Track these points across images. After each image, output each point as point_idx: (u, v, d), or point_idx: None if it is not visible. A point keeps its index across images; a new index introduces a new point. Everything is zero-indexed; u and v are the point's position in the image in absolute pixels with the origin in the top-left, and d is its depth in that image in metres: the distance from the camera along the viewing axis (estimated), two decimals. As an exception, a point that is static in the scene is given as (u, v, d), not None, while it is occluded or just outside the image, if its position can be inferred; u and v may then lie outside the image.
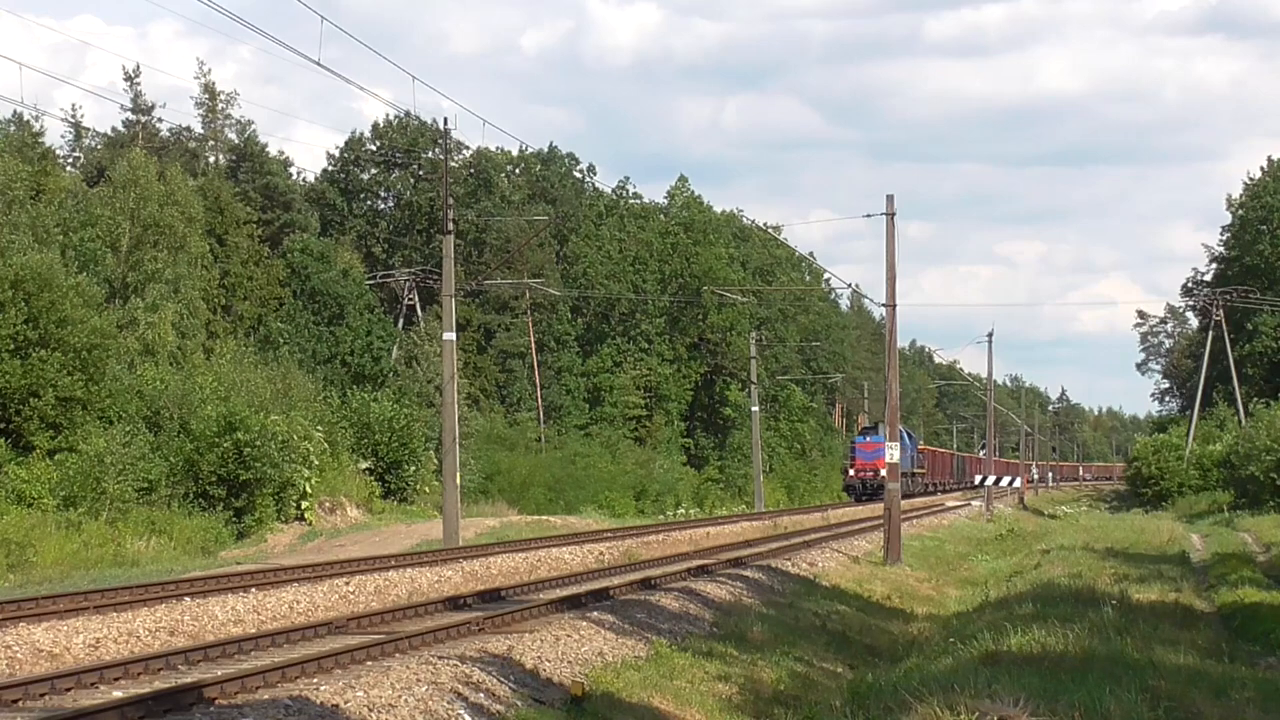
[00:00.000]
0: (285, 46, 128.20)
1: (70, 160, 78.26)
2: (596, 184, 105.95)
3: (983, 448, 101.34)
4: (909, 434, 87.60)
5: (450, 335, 40.84)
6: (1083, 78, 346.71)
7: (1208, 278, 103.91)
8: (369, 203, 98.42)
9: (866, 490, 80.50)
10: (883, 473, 75.31)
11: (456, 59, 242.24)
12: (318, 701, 13.93)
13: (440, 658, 16.62)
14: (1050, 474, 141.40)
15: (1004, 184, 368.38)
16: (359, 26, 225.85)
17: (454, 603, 23.52)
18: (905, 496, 76.02)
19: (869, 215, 39.08)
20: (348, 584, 25.22)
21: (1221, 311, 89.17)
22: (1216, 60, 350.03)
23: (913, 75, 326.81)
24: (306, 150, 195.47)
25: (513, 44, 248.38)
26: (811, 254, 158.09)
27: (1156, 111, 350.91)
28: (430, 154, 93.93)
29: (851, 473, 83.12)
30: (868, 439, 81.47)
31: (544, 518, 53.59)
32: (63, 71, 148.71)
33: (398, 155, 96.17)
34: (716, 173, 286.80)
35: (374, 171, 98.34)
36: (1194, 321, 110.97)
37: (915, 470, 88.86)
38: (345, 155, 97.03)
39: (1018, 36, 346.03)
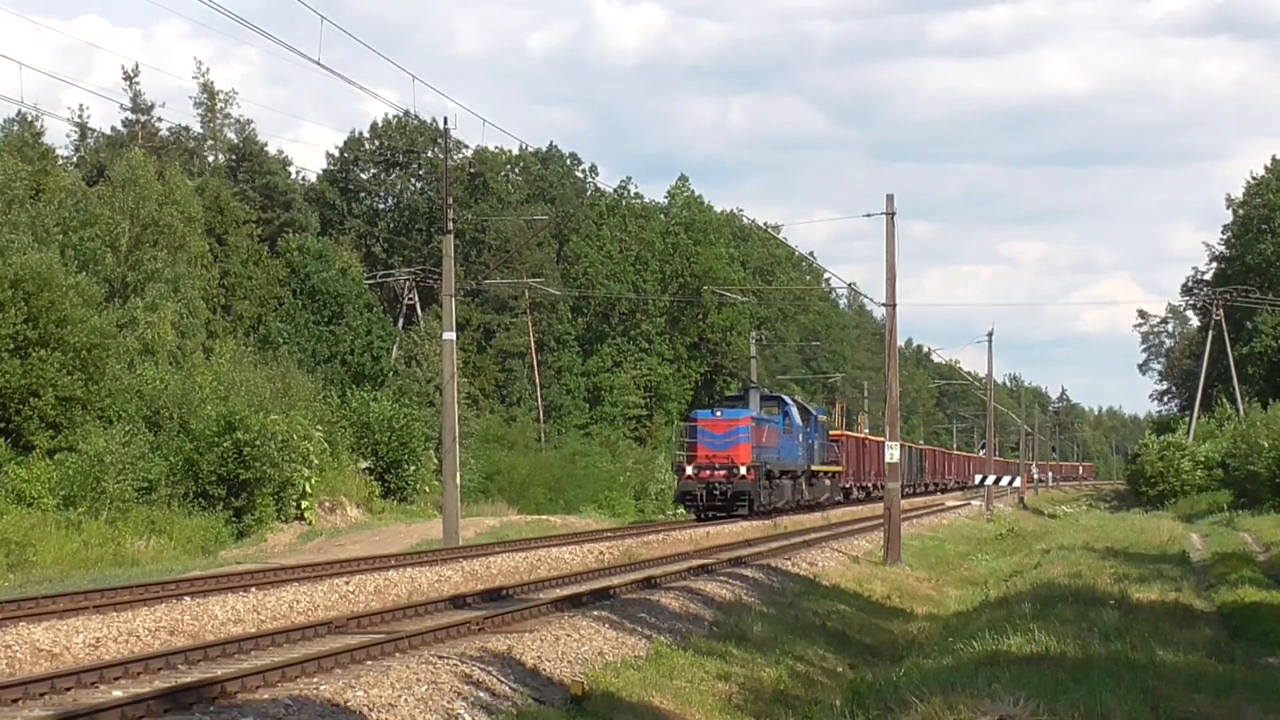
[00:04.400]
0: (287, 47, 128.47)
1: (75, 160, 78.31)
2: (597, 184, 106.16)
3: (983, 447, 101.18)
4: (803, 405, 60.24)
5: (450, 335, 40.85)
6: (1087, 78, 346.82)
7: (1208, 277, 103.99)
8: (368, 203, 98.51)
9: (714, 500, 49.47)
10: (742, 470, 48.54)
11: (462, 59, 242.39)
12: (318, 701, 13.93)
13: (440, 657, 16.61)
14: (1050, 474, 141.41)
15: (1007, 184, 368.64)
16: (365, 27, 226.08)
17: (454, 602, 23.52)
18: (812, 508, 58.46)
19: (869, 215, 38.86)
20: (348, 583, 25.21)
21: (1221, 311, 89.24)
22: (1221, 60, 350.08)
23: (917, 76, 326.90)
24: (314, 151, 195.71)
25: (518, 45, 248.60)
26: (812, 254, 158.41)
27: (1160, 112, 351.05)
28: (430, 154, 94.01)
29: (689, 470, 49.82)
30: (717, 414, 51.16)
31: (544, 517, 53.59)
32: (71, 73, 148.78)
33: (397, 155, 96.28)
34: (720, 173, 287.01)
35: (374, 171, 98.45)
36: (1195, 321, 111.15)
37: (824, 466, 61.07)
38: (345, 155, 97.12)
39: (1022, 37, 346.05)
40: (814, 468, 59.26)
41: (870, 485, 74.61)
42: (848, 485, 68.71)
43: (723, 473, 49.21)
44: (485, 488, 62.68)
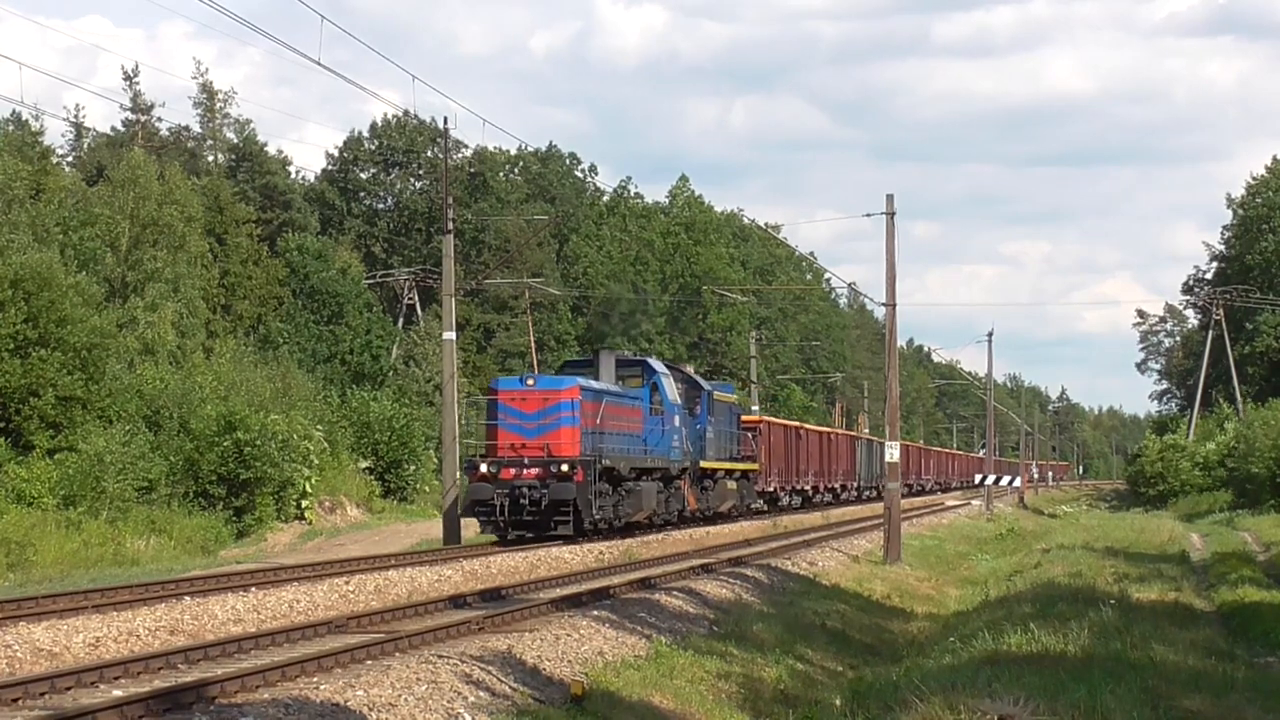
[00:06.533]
0: (287, 47, 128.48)
1: (71, 160, 78.30)
2: (597, 184, 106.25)
3: (983, 447, 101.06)
4: (690, 377, 44.99)
5: (450, 335, 40.86)
6: (1090, 79, 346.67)
7: (1209, 276, 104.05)
8: (368, 203, 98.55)
9: (521, 512, 33.84)
10: (564, 466, 33.80)
11: (465, 60, 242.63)
12: (318, 700, 13.92)
13: (440, 657, 16.61)
14: (1050, 473, 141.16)
15: (1009, 184, 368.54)
16: (369, 28, 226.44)
17: (454, 602, 23.52)
18: (710, 518, 45.09)
19: (869, 215, 38.78)
20: (347, 583, 25.21)
21: (1221, 311, 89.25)
22: (1224, 61, 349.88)
23: (920, 76, 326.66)
24: (316, 151, 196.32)
25: (521, 45, 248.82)
26: (812, 253, 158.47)
27: (1163, 112, 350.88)
28: (430, 153, 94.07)
29: (484, 468, 34.14)
30: (528, 383, 35.22)
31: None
32: (75, 74, 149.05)
33: (397, 155, 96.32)
34: (723, 174, 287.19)
35: (373, 171, 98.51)
36: (1194, 320, 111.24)
37: (725, 464, 46.28)
38: (345, 155, 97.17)
39: (1025, 38, 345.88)
40: (706, 464, 43.77)
41: (809, 488, 58.89)
42: (771, 488, 52.99)
43: (534, 471, 33.88)
44: (485, 488, 62.59)
